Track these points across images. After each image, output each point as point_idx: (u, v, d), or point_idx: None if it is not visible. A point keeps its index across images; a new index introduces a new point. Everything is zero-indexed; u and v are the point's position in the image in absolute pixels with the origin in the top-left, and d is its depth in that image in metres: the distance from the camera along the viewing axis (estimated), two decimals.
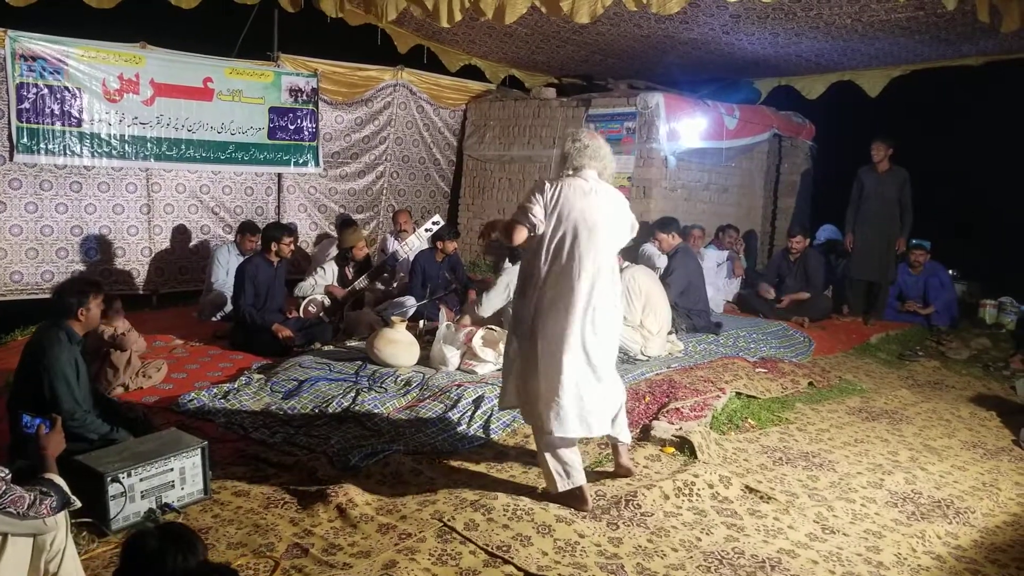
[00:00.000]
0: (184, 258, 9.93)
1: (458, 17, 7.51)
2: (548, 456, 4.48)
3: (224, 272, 8.79)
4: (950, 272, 10.73)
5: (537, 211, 4.50)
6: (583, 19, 7.24)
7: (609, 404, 4.61)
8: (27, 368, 4.61)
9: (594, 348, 4.44)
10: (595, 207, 4.47)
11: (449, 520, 4.14)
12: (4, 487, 3.12)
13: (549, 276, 4.45)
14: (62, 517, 3.28)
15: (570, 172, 4.62)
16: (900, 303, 10.45)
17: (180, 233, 9.91)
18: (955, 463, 5.53)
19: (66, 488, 3.38)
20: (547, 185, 4.57)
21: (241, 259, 8.69)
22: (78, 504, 3.38)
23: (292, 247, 7.82)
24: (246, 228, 8.99)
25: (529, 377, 4.53)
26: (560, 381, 4.37)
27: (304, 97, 10.63)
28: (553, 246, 4.45)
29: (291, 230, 8.08)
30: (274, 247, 7.63)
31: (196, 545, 2.66)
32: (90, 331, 4.92)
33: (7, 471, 3.22)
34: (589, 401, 4.44)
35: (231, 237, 9.44)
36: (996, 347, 9.25)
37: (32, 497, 3.17)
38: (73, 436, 4.29)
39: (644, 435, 5.60)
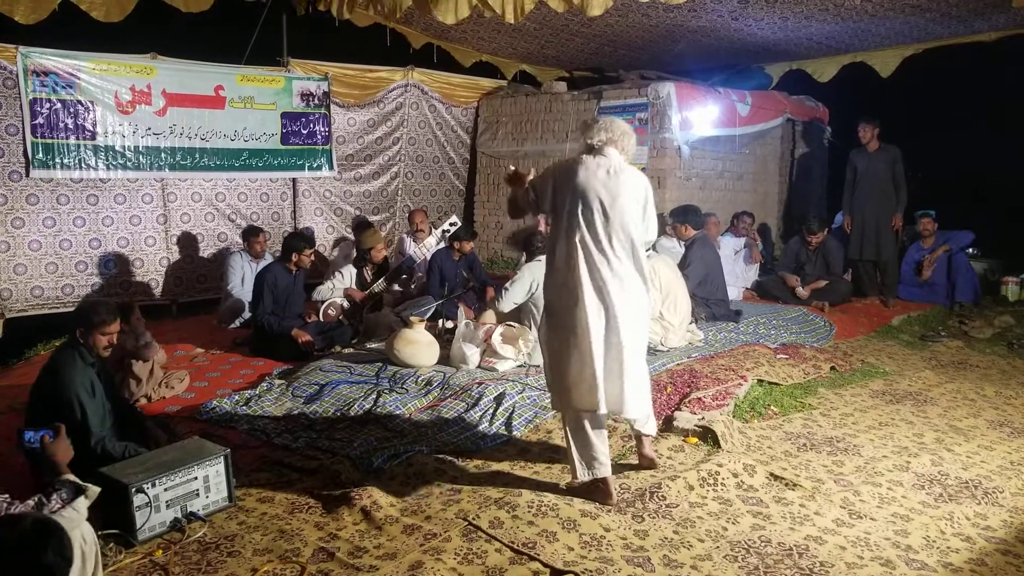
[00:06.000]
0: (202, 266, 9.97)
1: (464, 14, 7.50)
2: (574, 444, 4.47)
3: (239, 278, 8.86)
4: (970, 250, 10.64)
5: (540, 190, 4.55)
6: (594, 12, 7.23)
7: (636, 386, 4.53)
8: (41, 390, 4.66)
9: (618, 327, 4.38)
10: (615, 187, 4.39)
11: (474, 519, 4.14)
12: (5, 505, 3.13)
13: (569, 255, 4.41)
14: (91, 534, 3.25)
15: (591, 149, 4.56)
16: (919, 276, 10.38)
17: (197, 242, 9.96)
18: (982, 443, 5.48)
19: (78, 480, 3.37)
20: (564, 165, 4.57)
21: (254, 263, 8.78)
22: (95, 490, 3.35)
23: (312, 258, 7.85)
24: (249, 233, 9.13)
25: (560, 358, 4.50)
26: (586, 360, 4.34)
27: (316, 101, 10.66)
28: (570, 225, 4.41)
29: (312, 241, 8.11)
30: (295, 258, 7.64)
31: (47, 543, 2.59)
32: (110, 348, 4.93)
33: (6, 495, 3.22)
34: (614, 379, 4.40)
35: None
36: (1020, 324, 9.17)
37: (35, 501, 3.18)
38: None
39: (667, 426, 5.58)
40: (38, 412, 4.58)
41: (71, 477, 3.40)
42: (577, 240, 4.38)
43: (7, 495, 3.23)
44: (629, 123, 4.73)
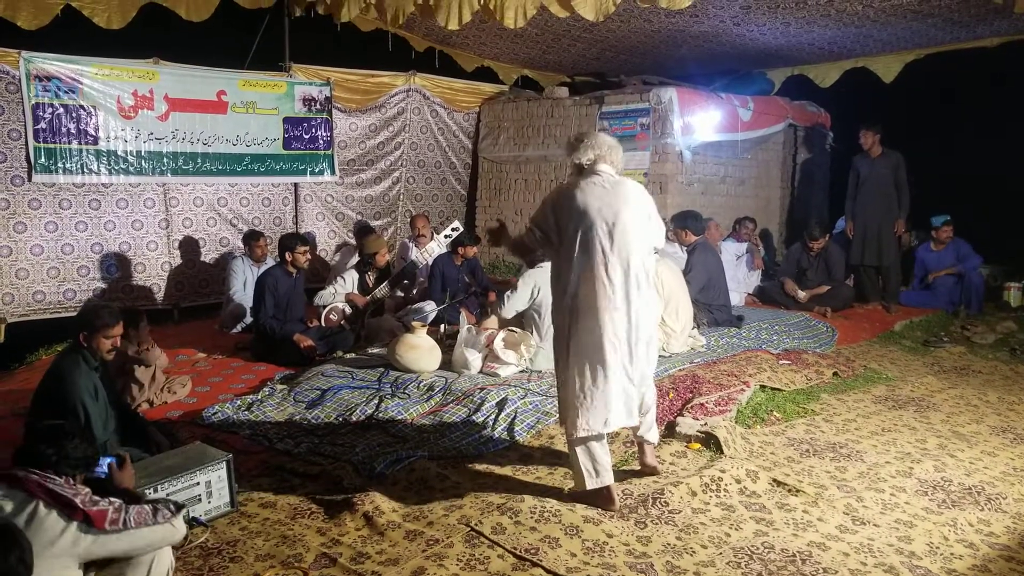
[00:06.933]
0: (204, 271, 9.97)
1: (467, 18, 7.51)
2: (579, 453, 4.45)
3: (241, 282, 8.86)
4: None
5: (544, 224, 4.53)
6: (595, 16, 7.24)
7: (640, 400, 4.59)
8: (46, 395, 4.65)
9: (629, 345, 4.39)
10: (615, 202, 4.39)
11: (476, 524, 4.14)
12: (123, 506, 3.19)
13: (578, 278, 4.39)
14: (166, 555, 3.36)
15: (584, 169, 4.55)
16: (928, 279, 10.37)
17: (199, 246, 9.96)
18: (984, 449, 5.47)
19: (168, 500, 3.49)
20: (559, 192, 4.57)
21: (255, 268, 8.78)
22: (186, 509, 3.52)
23: (308, 256, 7.81)
24: (250, 237, 9.15)
25: (576, 385, 4.45)
26: (594, 379, 4.34)
27: (318, 106, 10.66)
28: (577, 249, 4.39)
29: (305, 239, 8.08)
30: (288, 256, 7.64)
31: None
32: (114, 351, 4.93)
33: (120, 500, 3.26)
34: (622, 399, 4.41)
35: None
36: (1022, 330, 9.13)
37: (151, 508, 3.27)
38: None
39: (669, 432, 5.56)
40: (42, 418, 4.57)
41: (153, 497, 3.47)
42: (588, 266, 4.35)
43: (121, 500, 3.27)
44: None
